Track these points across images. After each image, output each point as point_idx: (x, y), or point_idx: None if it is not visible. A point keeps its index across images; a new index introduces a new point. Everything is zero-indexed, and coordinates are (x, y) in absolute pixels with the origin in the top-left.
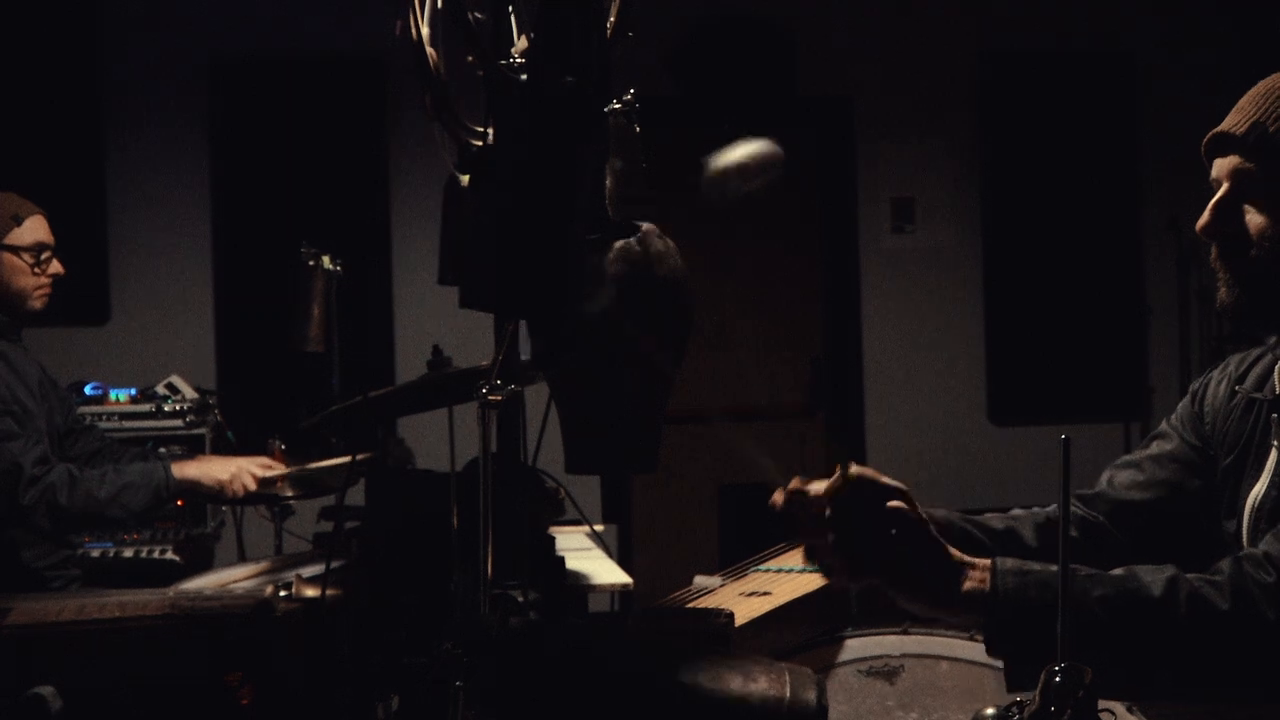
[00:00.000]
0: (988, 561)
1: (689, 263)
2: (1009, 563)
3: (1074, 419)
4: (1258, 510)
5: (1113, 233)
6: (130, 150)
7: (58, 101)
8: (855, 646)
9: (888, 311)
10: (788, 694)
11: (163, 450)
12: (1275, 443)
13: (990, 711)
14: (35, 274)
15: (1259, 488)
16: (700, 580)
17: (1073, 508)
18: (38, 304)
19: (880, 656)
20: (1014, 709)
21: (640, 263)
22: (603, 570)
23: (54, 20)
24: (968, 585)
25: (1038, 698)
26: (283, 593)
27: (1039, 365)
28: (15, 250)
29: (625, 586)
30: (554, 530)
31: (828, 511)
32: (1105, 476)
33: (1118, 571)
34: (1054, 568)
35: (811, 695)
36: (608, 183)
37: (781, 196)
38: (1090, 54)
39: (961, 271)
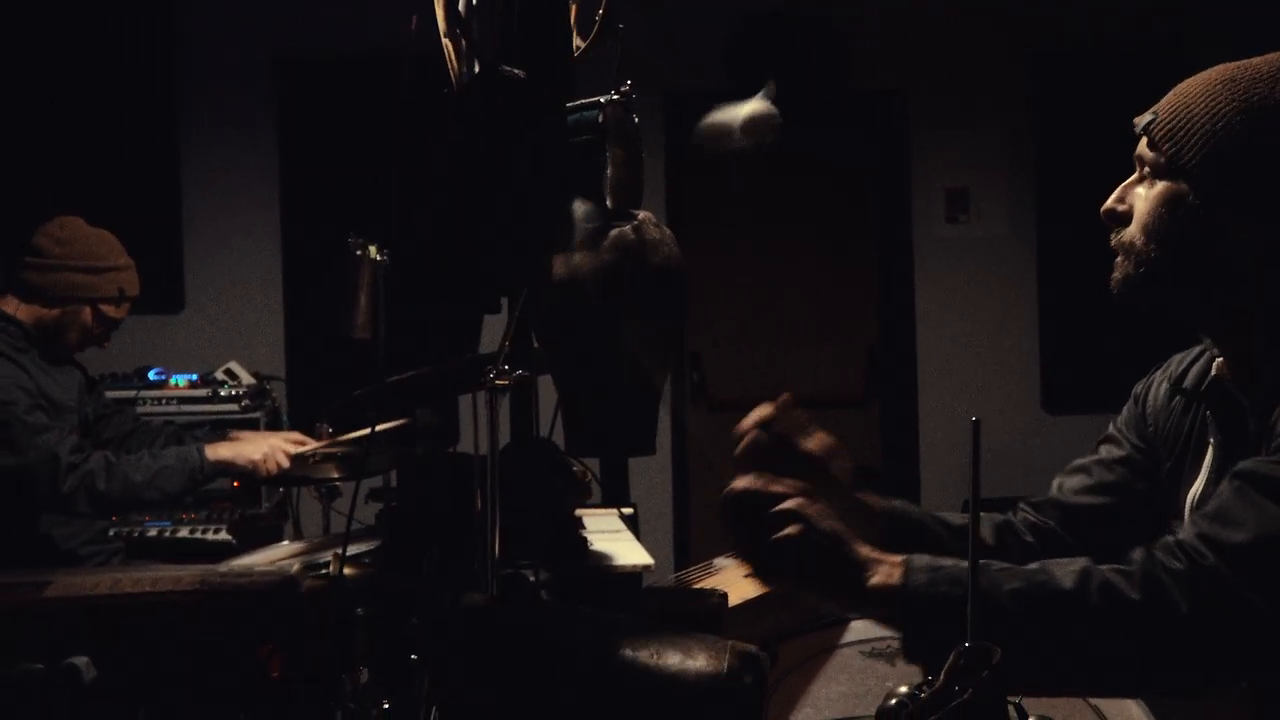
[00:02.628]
0: (899, 557)
1: (749, 254)
2: (921, 558)
3: None
4: (1195, 507)
5: None
6: (202, 146)
7: (134, 102)
8: (859, 628)
9: (942, 301)
10: (725, 671)
11: (199, 431)
12: (1212, 439)
13: (903, 689)
14: (87, 337)
15: (1197, 485)
16: (719, 561)
17: (1025, 514)
18: (70, 351)
19: (883, 638)
20: (924, 688)
21: (634, 250)
22: (627, 551)
23: (131, 19)
24: (875, 580)
25: (942, 677)
26: (326, 570)
27: (1093, 354)
28: (97, 315)
29: (646, 567)
30: (588, 512)
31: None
32: (1056, 482)
33: (1031, 565)
34: (966, 563)
35: (749, 673)
36: (607, 172)
37: (837, 189)
38: (1142, 43)
39: (1015, 261)
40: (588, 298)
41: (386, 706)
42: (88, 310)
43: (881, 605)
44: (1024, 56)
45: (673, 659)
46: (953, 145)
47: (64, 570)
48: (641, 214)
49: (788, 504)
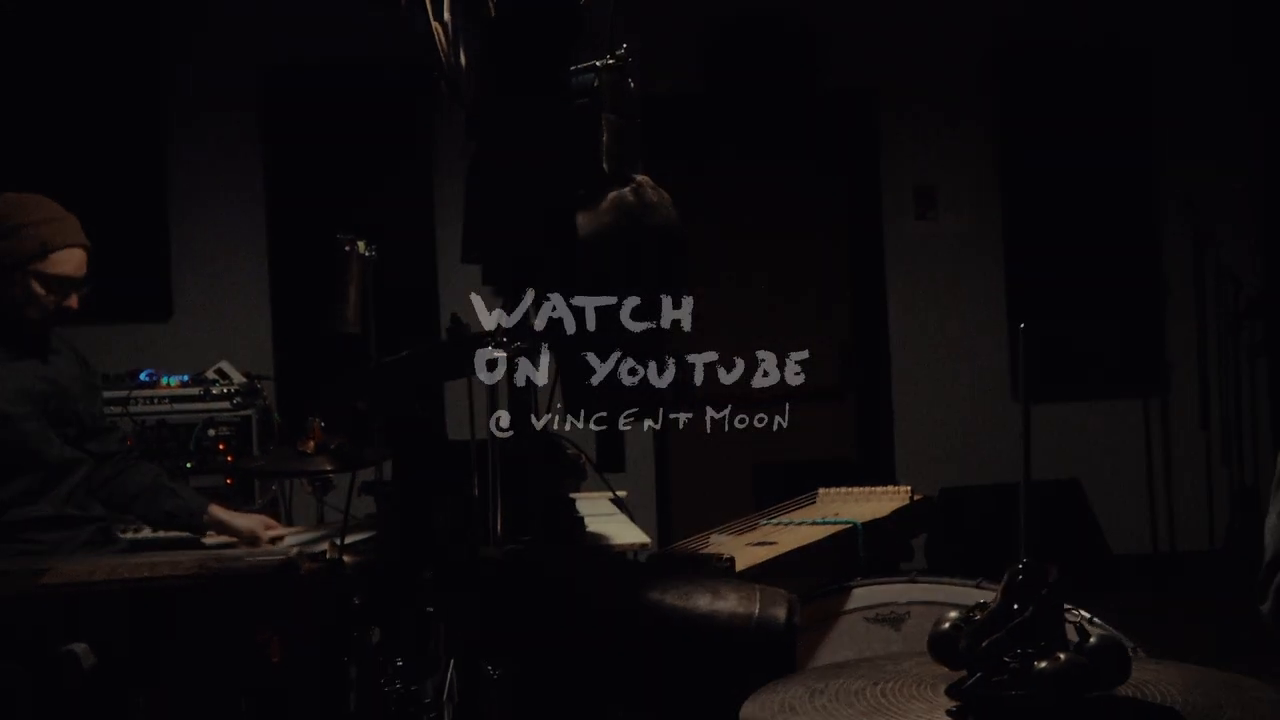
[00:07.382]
0: None
1: (721, 252)
2: None
3: (1094, 395)
4: None
5: (1129, 215)
6: (188, 157)
7: (121, 113)
8: (862, 595)
9: (913, 296)
10: (756, 610)
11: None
12: None
13: (954, 614)
14: (45, 307)
15: None
16: (716, 538)
17: None
18: (34, 316)
19: (887, 604)
20: (976, 610)
21: (633, 212)
22: (623, 531)
23: (119, 30)
24: None
25: (999, 596)
26: (324, 555)
27: (1060, 345)
28: (37, 278)
29: (643, 545)
30: (580, 496)
31: None
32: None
33: None
34: None
35: (781, 612)
36: (603, 138)
37: (809, 187)
38: (1104, 45)
39: (983, 256)
40: (587, 258)
41: (400, 663)
42: (21, 276)
43: None
44: (990, 57)
45: (702, 600)
46: (921, 144)
47: (61, 558)
48: (640, 177)
49: None
